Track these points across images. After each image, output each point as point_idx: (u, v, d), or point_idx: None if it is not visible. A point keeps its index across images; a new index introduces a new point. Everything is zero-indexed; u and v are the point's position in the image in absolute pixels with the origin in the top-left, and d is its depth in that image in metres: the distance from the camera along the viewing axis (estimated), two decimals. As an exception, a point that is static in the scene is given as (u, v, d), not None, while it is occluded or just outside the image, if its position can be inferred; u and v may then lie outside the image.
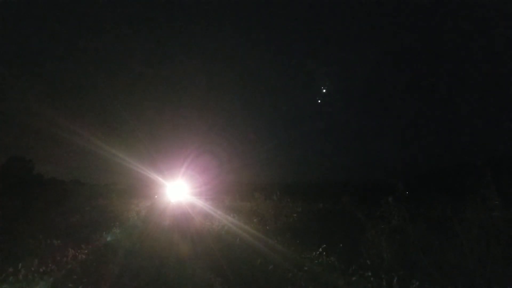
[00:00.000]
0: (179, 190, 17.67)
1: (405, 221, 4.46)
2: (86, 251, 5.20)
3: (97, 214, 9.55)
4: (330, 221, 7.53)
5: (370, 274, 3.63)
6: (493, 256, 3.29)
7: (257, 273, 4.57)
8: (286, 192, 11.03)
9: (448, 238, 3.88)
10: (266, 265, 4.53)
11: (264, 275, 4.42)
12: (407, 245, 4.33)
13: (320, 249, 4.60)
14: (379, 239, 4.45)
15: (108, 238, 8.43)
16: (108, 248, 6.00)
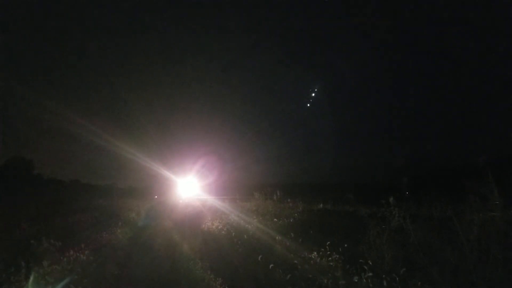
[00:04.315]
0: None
1: (405, 221, 4.46)
2: (87, 251, 5.19)
3: (98, 214, 9.55)
4: (330, 222, 7.52)
5: (371, 274, 3.63)
6: (493, 256, 3.29)
7: (257, 272, 4.57)
8: (286, 192, 11.05)
9: (448, 238, 3.88)
10: (267, 264, 4.53)
11: (264, 274, 4.42)
12: (408, 245, 4.33)
13: (322, 249, 4.60)
14: (380, 239, 4.46)
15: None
16: (108, 248, 6.00)
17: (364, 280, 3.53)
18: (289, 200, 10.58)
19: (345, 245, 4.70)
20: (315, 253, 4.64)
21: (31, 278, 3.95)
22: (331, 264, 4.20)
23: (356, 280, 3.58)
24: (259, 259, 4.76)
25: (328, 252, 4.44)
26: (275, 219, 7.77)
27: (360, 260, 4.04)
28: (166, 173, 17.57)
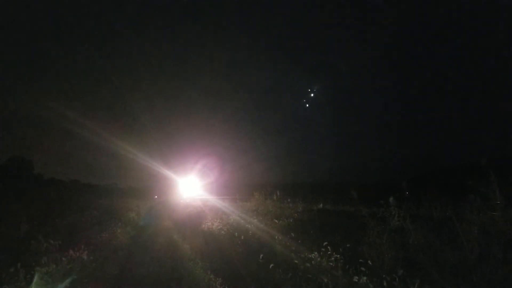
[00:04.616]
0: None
1: (405, 221, 4.46)
2: (87, 251, 5.19)
3: (98, 214, 9.54)
4: (330, 222, 7.51)
5: (371, 274, 3.63)
6: (494, 256, 3.29)
7: (257, 272, 4.57)
8: (286, 192, 11.04)
9: (448, 238, 3.88)
10: (267, 264, 4.53)
11: (265, 274, 4.42)
12: (408, 245, 4.33)
13: (322, 249, 4.59)
14: (380, 239, 4.45)
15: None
16: (108, 248, 6.00)
17: (364, 280, 3.53)
18: (289, 200, 10.57)
19: (347, 245, 4.68)
20: (316, 253, 4.64)
21: (35, 278, 3.95)
22: (331, 264, 4.19)
23: (356, 280, 3.58)
24: (259, 258, 4.76)
25: (329, 252, 4.44)
26: (275, 219, 7.76)
27: (360, 260, 4.04)
28: (166, 173, 17.58)
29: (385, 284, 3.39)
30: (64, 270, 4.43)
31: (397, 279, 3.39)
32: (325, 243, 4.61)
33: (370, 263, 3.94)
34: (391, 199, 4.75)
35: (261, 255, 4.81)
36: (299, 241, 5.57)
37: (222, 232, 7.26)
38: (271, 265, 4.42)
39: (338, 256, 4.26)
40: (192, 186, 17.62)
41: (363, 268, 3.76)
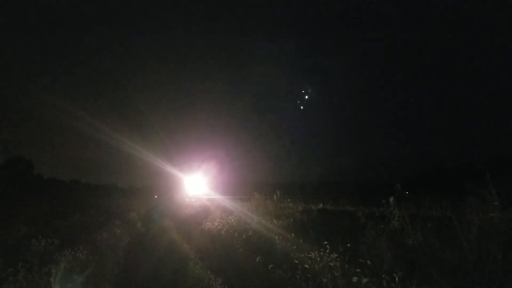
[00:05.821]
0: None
1: (405, 221, 4.46)
2: (86, 251, 5.19)
3: (98, 214, 9.54)
4: (330, 222, 7.52)
5: (370, 274, 3.63)
6: (493, 256, 3.29)
7: (257, 272, 4.57)
8: (286, 191, 11.06)
9: (448, 238, 3.88)
10: (267, 264, 4.53)
11: (265, 274, 4.42)
12: (407, 245, 4.33)
13: (322, 249, 4.59)
14: (379, 239, 4.45)
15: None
16: (108, 248, 5.99)
17: (364, 280, 3.53)
18: (289, 200, 10.59)
19: (348, 245, 4.68)
20: (315, 253, 4.64)
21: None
22: (331, 264, 4.19)
23: (355, 280, 3.58)
24: (259, 259, 4.76)
25: (328, 252, 4.44)
26: (275, 219, 7.76)
27: (360, 260, 4.04)
28: (166, 172, 17.60)
29: (384, 284, 3.39)
30: (64, 270, 4.43)
31: (396, 279, 3.39)
32: (325, 243, 4.61)
33: (370, 263, 3.94)
34: (391, 199, 4.76)
35: (261, 255, 4.82)
36: (299, 241, 5.57)
37: (222, 232, 7.26)
38: (271, 265, 4.42)
39: (338, 256, 4.26)
40: (193, 185, 17.65)
41: (362, 268, 3.76)
